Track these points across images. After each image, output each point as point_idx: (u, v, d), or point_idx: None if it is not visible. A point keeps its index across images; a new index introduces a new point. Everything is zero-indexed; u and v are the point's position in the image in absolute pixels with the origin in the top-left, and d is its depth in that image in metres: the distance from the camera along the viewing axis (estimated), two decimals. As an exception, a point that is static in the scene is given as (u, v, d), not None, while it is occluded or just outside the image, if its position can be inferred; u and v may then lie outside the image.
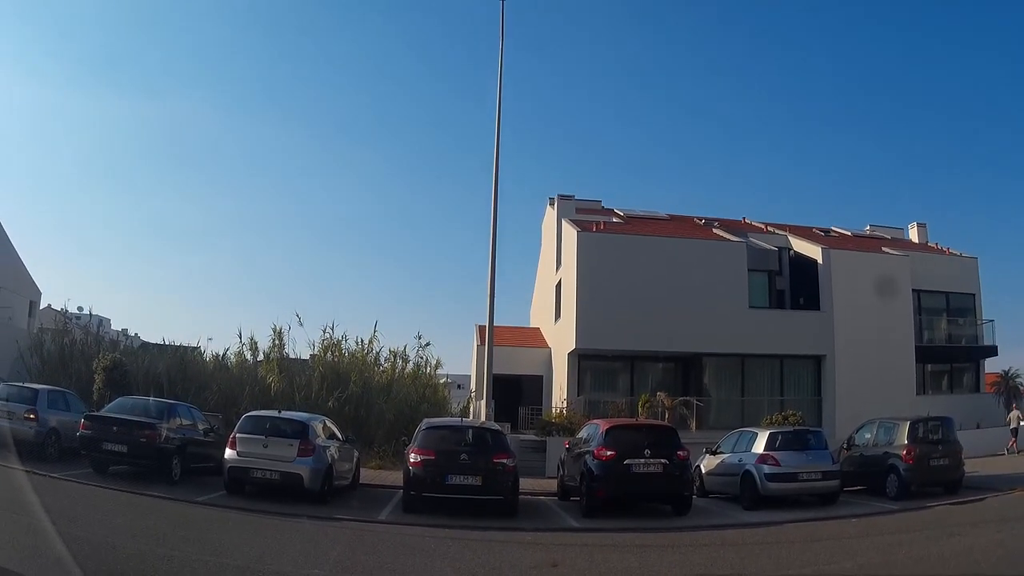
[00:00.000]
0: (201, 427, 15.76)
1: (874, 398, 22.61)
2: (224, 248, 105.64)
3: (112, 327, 27.91)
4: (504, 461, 12.65)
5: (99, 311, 30.30)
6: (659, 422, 18.64)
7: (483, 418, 18.90)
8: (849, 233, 33.57)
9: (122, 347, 26.85)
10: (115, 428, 13.60)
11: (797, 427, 17.91)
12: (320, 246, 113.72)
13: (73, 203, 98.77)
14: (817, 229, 32.73)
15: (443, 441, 13.01)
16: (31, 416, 14.64)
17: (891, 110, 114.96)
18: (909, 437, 15.71)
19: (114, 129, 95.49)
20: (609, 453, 13.16)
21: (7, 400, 14.89)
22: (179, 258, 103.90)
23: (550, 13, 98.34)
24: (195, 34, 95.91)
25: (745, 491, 15.02)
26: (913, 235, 34.14)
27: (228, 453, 13.09)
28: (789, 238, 29.24)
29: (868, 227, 34.81)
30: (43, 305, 36.86)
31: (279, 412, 14.56)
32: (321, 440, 13.55)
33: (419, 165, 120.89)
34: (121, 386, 19.18)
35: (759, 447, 15.40)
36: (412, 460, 12.75)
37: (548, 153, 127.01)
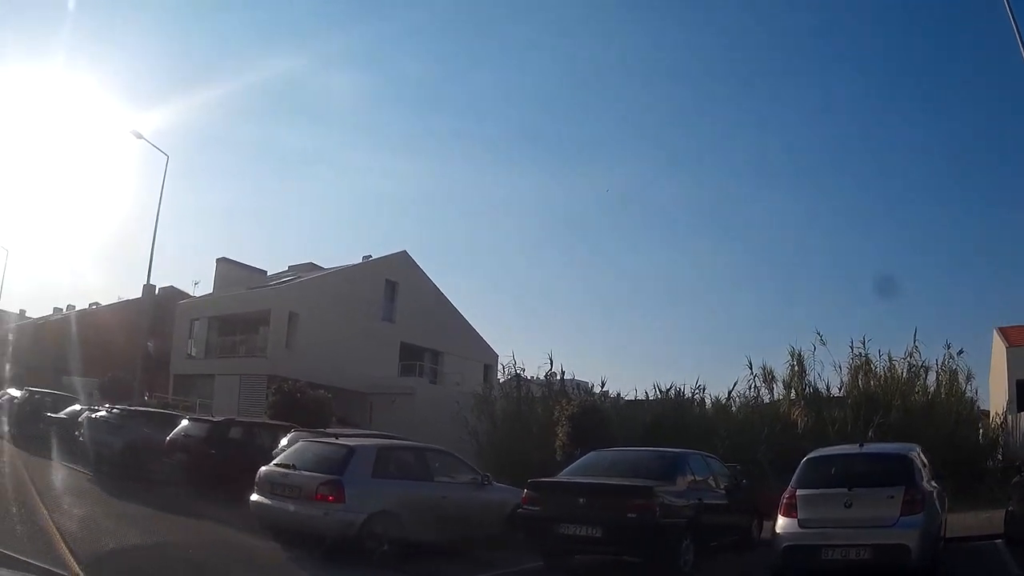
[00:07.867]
0: (721, 485, 11.16)
1: None
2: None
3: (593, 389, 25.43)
4: None
5: (580, 375, 27.77)
6: None
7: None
8: None
9: (600, 398, 22.45)
10: (581, 500, 9.32)
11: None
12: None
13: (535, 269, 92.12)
14: None
15: None
16: (329, 495, 8.87)
17: None
18: None
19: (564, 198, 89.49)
20: None
21: (294, 467, 9.47)
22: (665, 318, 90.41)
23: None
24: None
25: None
26: None
27: (782, 523, 8.69)
28: None
29: None
30: (503, 371, 30.14)
31: (860, 446, 10.20)
32: (927, 484, 8.96)
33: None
34: (596, 439, 15.43)
35: None
36: None
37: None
